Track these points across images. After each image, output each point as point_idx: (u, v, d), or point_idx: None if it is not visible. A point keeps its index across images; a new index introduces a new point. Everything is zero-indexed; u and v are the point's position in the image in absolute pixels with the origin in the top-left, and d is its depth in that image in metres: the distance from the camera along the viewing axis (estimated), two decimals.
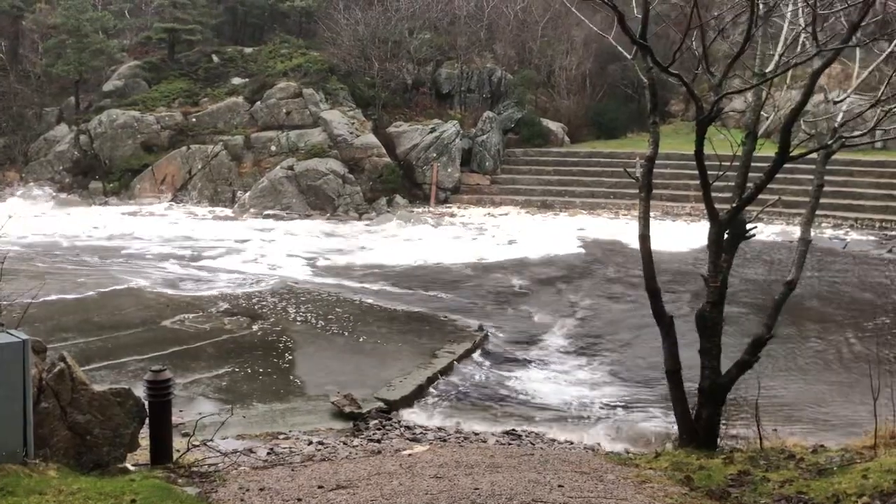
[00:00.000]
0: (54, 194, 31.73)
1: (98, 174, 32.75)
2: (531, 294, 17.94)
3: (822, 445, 7.07)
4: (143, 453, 7.00)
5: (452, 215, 29.86)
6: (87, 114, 34.65)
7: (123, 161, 32.66)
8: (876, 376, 6.34)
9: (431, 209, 30.81)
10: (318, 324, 14.55)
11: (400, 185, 31.34)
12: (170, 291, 17.11)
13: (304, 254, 22.32)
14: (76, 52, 34.58)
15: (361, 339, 13.50)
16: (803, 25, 7.72)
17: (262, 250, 22.68)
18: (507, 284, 18.90)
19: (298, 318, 14.93)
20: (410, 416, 9.99)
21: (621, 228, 25.84)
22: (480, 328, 14.25)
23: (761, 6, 7.03)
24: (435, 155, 32.05)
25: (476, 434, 9.17)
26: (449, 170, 32.21)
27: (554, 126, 36.47)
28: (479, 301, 17.12)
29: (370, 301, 16.62)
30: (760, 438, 7.00)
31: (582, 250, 23.10)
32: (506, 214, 30.10)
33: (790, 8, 8.01)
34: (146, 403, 6.88)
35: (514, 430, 9.46)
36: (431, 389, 11.02)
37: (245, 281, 18.48)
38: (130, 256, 21.68)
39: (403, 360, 12.21)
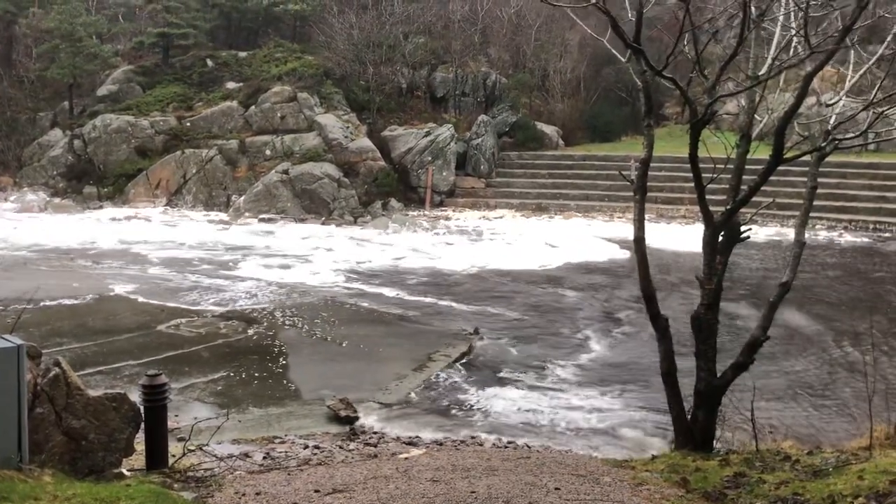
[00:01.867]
0: (48, 199, 31.65)
1: (92, 179, 32.68)
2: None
3: (817, 447, 7.09)
4: (138, 458, 6.98)
5: (448, 218, 29.89)
6: (81, 118, 34.59)
7: (118, 166, 32.61)
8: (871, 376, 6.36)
9: (427, 212, 30.84)
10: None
11: (395, 188, 31.37)
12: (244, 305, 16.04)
13: (335, 261, 21.54)
14: (70, 56, 34.54)
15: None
16: (795, 29, 7.75)
17: (282, 256, 22.29)
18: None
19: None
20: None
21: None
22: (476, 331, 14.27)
23: (753, 10, 7.06)
24: (430, 158, 32.09)
25: (473, 438, 9.17)
26: (444, 173, 32.25)
27: (548, 129, 36.55)
28: None
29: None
30: (756, 440, 7.02)
31: (627, 253, 21.99)
32: (500, 217, 30.15)
33: (782, 11, 8.04)
34: (142, 408, 6.87)
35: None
36: None
37: (273, 291, 17.56)
38: (145, 263, 21.21)
39: None
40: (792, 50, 7.99)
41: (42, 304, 15.26)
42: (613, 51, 8.56)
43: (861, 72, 8.09)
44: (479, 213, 30.77)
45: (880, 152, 30.59)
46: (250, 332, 14.12)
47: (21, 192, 32.14)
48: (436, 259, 22.09)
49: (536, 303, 16.92)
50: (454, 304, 16.62)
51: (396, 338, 13.99)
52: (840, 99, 8.10)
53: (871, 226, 26.80)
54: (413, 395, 10.89)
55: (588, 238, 25.27)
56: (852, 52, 8.24)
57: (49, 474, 5.88)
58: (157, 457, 6.94)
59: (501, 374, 11.87)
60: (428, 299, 17.08)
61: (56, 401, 6.29)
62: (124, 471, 6.67)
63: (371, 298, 17.12)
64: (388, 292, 17.81)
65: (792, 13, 8.04)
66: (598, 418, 10.02)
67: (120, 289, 17.54)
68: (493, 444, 8.84)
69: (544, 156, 35.08)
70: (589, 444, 9.01)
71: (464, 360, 12.56)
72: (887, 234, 25.94)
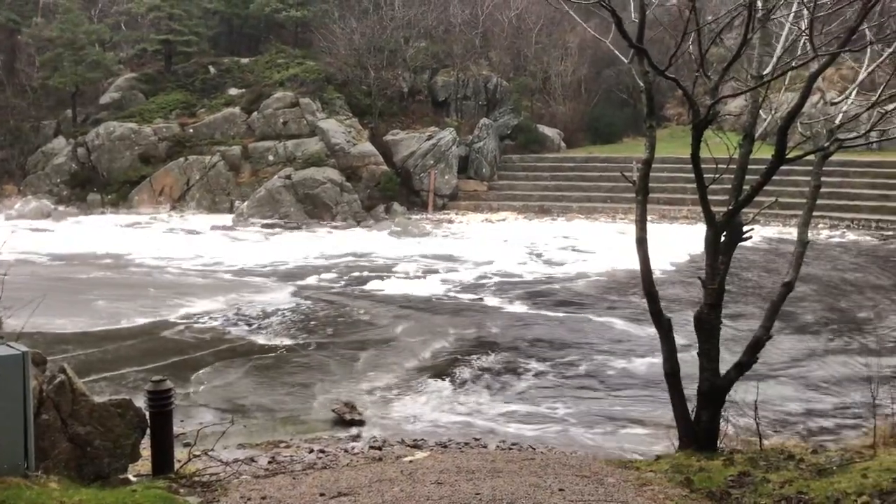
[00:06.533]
0: (53, 207, 31.75)
1: (96, 186, 32.82)
2: None
3: (821, 445, 7.09)
4: (144, 464, 6.99)
5: (450, 222, 29.93)
6: (84, 126, 34.72)
7: (121, 173, 32.73)
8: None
9: (429, 216, 30.89)
10: None
11: (398, 192, 31.42)
12: None
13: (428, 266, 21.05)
14: (73, 64, 34.67)
15: None
16: (800, 29, 7.75)
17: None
18: None
19: None
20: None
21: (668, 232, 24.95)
22: None
23: (760, 5, 7.06)
24: (432, 162, 32.14)
25: (476, 440, 9.17)
26: (446, 177, 32.28)
27: (550, 132, 36.58)
28: None
29: None
30: (760, 439, 7.01)
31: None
32: (503, 220, 30.18)
33: (786, 12, 8.03)
34: (147, 414, 6.88)
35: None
36: None
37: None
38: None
39: None
40: (800, 49, 7.97)
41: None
42: (616, 51, 8.57)
43: (868, 71, 8.08)
44: (482, 216, 30.80)
45: (883, 151, 30.54)
46: None
47: (25, 200, 32.24)
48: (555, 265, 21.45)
49: None
50: None
51: None
52: (848, 97, 8.08)
53: (874, 224, 26.75)
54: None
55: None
56: (868, 50, 8.19)
57: (55, 481, 5.89)
58: (162, 462, 6.95)
59: None
60: None
61: (61, 407, 6.31)
62: (130, 476, 6.68)
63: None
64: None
65: (794, 14, 8.03)
66: None
67: None
68: (498, 446, 8.84)
69: (546, 158, 35.12)
70: None
71: None
72: (889, 233, 25.88)
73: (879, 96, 7.39)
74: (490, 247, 24.22)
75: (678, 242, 22.43)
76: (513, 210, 31.46)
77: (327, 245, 25.14)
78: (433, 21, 37.73)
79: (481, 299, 17.51)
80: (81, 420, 6.39)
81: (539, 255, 23.06)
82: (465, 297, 17.76)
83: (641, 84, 7.35)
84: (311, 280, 19.67)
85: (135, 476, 6.75)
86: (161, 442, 6.96)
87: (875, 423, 6.41)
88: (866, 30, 6.78)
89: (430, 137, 32.74)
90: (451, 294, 18.05)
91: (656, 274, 19.27)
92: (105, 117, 34.31)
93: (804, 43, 7.87)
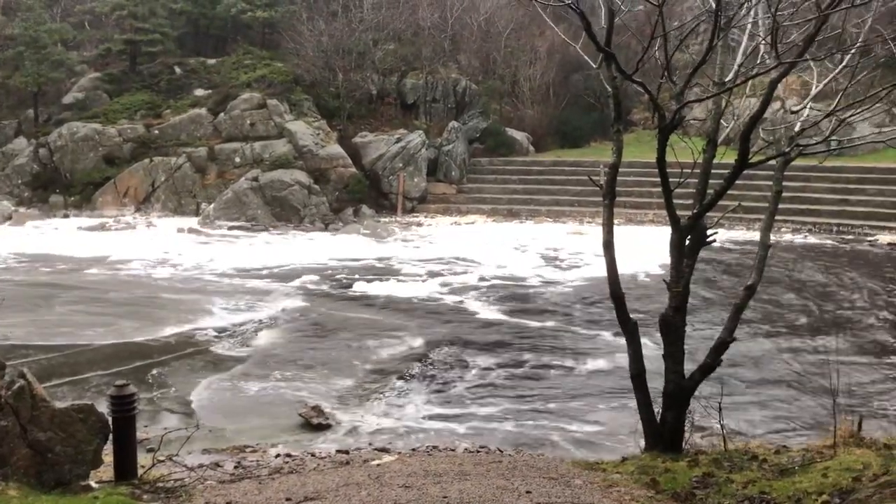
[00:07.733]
0: (13, 209, 31.11)
1: (58, 188, 32.22)
2: None
3: (784, 446, 7.20)
4: (107, 470, 6.87)
5: (419, 225, 29.92)
6: (46, 127, 34.09)
7: (85, 174, 32.18)
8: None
9: (398, 219, 30.85)
10: None
11: (366, 195, 31.34)
12: None
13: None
14: (34, 63, 34.02)
15: None
16: (762, 37, 7.87)
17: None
18: None
19: None
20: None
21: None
22: None
23: (721, 17, 7.16)
24: (401, 165, 32.10)
25: (435, 447, 9.17)
26: (415, 179, 32.27)
27: (519, 135, 36.75)
28: None
29: None
30: (725, 440, 7.10)
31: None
32: (472, 223, 30.26)
33: (751, 20, 8.16)
34: (110, 419, 6.77)
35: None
36: None
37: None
38: None
39: None
40: (759, 57, 8.10)
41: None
42: (585, 56, 8.63)
43: (826, 81, 8.24)
44: (451, 219, 30.85)
45: (843, 157, 31.16)
46: None
47: None
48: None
49: None
50: None
51: None
52: (805, 107, 8.24)
53: (835, 228, 27.32)
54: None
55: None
56: (813, 64, 8.36)
57: (14, 488, 5.78)
58: (125, 468, 6.84)
59: None
60: None
61: (21, 413, 6.18)
62: (92, 483, 6.56)
63: None
64: None
65: (759, 21, 8.17)
66: None
67: None
68: (466, 449, 8.85)
69: (515, 161, 35.28)
70: None
71: None
72: (850, 236, 26.43)
73: (837, 104, 7.53)
74: (464, 249, 24.29)
75: (659, 245, 22.45)
76: (482, 213, 31.56)
77: (302, 249, 24.94)
78: (402, 24, 37.69)
79: (462, 301, 17.56)
80: (42, 426, 6.27)
81: (522, 256, 23.33)
82: (450, 299, 17.80)
83: (609, 89, 7.41)
84: (294, 283, 19.45)
85: (97, 482, 6.64)
86: (124, 447, 6.85)
87: (835, 423, 6.53)
88: (807, 49, 6.90)
89: (398, 140, 32.70)
90: (435, 296, 18.09)
91: (642, 278, 20.03)
92: (68, 117, 33.72)
93: (764, 52, 8.01)
